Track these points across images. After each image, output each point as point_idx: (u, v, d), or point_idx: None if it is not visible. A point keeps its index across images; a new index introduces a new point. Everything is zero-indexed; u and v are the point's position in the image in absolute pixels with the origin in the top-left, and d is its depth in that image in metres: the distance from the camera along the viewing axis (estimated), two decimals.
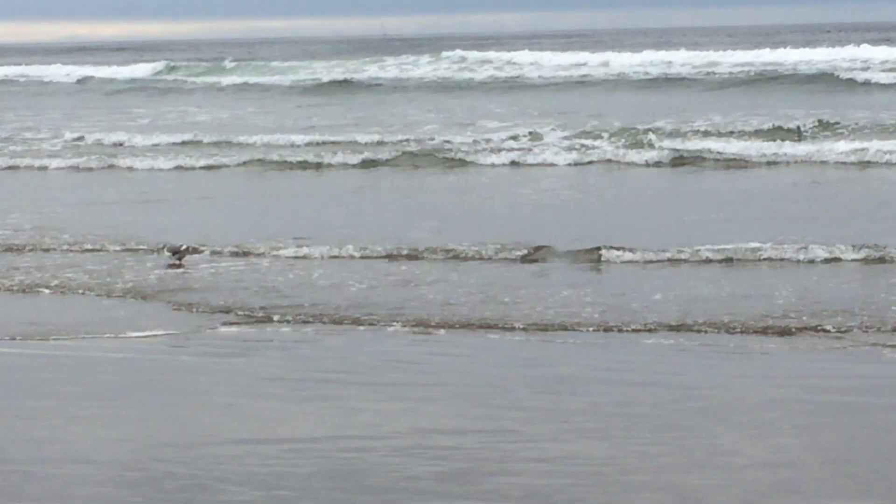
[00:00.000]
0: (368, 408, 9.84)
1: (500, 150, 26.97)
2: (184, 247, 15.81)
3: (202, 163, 27.05)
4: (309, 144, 29.47)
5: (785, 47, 64.96)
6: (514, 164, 25.90)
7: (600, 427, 9.11)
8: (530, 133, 29.16)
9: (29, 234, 18.00)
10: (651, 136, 27.22)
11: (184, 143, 30.40)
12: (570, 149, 26.71)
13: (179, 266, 15.53)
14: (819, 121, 28.89)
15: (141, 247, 16.72)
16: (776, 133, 27.89)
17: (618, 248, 15.07)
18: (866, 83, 42.95)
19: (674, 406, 9.62)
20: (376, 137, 30.35)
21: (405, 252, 15.87)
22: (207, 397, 10.31)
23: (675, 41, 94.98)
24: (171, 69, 63.80)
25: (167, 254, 15.80)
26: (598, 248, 15.07)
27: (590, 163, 26.07)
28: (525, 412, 9.56)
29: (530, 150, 27.00)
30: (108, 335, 12.41)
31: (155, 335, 12.35)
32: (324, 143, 29.99)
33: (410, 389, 10.39)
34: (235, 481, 8.05)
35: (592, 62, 58.83)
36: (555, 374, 10.77)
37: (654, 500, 7.60)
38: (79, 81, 58.37)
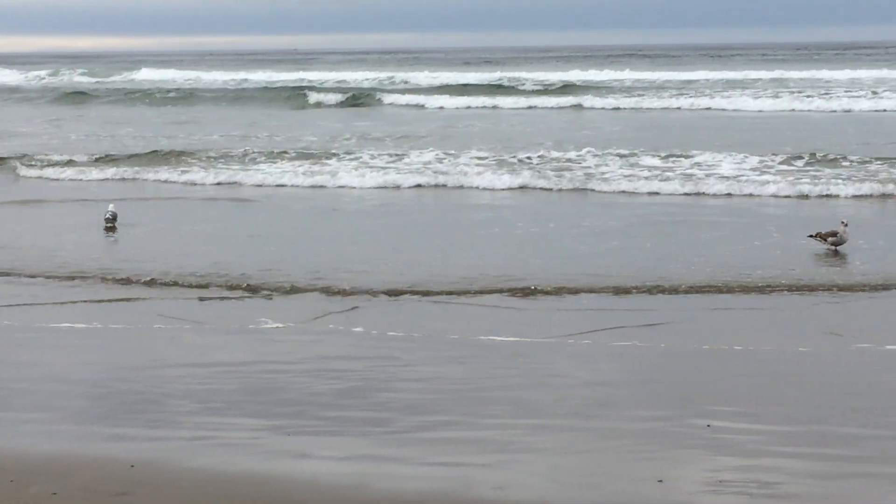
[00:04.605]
0: (282, 339, 10.76)
1: None
2: (111, 216, 17.19)
3: None
4: None
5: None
6: None
7: (462, 355, 9.98)
8: None
9: None
10: None
11: None
12: None
13: (113, 230, 16.92)
14: None
15: None
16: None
17: None
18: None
19: (517, 341, 10.49)
20: None
21: None
22: (155, 332, 11.11)
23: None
24: None
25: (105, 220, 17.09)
26: None
27: None
28: (405, 343, 10.48)
29: None
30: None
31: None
32: None
33: (315, 325, 11.24)
34: (178, 396, 8.82)
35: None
36: (426, 315, 11.67)
37: (504, 411, 8.30)
38: None
